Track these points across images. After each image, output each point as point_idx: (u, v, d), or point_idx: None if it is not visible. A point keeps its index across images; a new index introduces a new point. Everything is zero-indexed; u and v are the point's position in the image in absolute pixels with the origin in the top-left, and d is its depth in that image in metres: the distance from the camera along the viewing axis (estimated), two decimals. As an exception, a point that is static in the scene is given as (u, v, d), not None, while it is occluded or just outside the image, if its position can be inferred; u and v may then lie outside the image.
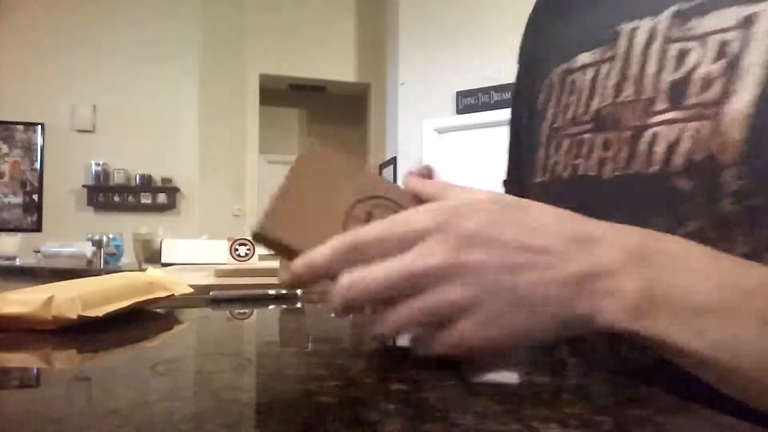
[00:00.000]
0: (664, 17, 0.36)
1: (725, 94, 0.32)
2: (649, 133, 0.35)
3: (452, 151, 3.94)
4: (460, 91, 3.88)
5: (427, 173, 0.38)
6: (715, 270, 0.27)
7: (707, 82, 0.33)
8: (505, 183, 0.59)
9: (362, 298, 0.27)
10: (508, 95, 3.21)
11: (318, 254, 0.29)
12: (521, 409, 0.22)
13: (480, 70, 3.74)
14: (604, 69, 0.39)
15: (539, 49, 0.50)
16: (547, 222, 0.28)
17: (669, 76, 0.35)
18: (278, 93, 5.12)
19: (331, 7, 4.70)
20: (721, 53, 0.33)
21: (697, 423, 0.21)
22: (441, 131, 3.97)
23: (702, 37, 0.34)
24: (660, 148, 0.34)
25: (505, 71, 3.41)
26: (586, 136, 0.39)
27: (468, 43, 3.82)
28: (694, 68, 0.34)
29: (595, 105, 0.39)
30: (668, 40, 0.36)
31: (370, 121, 4.89)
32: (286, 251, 0.31)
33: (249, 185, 4.59)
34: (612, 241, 0.27)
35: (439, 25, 3.88)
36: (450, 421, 0.20)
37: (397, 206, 0.33)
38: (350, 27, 4.77)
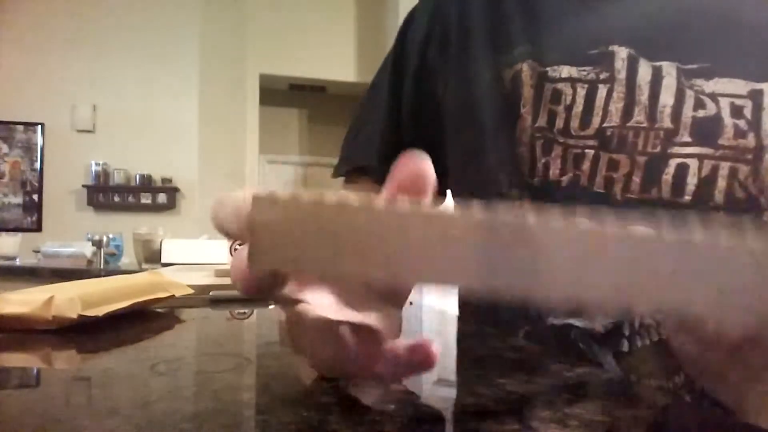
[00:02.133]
0: (667, 65, 0.37)
1: (761, 146, 0.35)
2: (673, 162, 0.36)
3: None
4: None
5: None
6: None
7: (740, 132, 0.35)
8: (358, 160, 0.55)
9: None
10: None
11: None
12: (521, 409, 0.22)
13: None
14: (602, 89, 0.39)
15: (498, 19, 0.47)
16: None
17: (691, 113, 0.36)
18: (278, 93, 5.11)
19: (331, 7, 4.70)
20: (737, 113, 0.35)
21: (697, 423, 0.21)
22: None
23: (712, 96, 0.36)
24: (692, 180, 0.35)
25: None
26: (589, 151, 0.39)
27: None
28: (717, 115, 0.36)
29: (596, 123, 0.39)
30: (680, 83, 0.37)
31: (370, 121, 4.88)
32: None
33: (249, 185, 4.59)
34: None
35: (439, 25, 3.87)
36: (450, 421, 0.20)
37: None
38: (350, 27, 4.76)
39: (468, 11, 0.50)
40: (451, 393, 0.26)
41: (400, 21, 0.59)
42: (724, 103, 0.35)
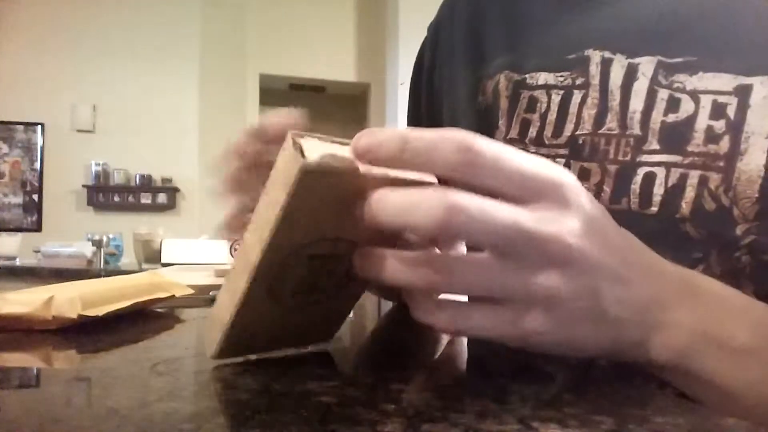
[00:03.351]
0: (645, 61, 0.35)
1: (736, 152, 0.32)
2: (641, 171, 0.34)
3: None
4: (460, 91, 3.87)
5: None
6: (751, 312, 0.27)
7: (713, 136, 0.32)
8: None
9: (469, 235, 0.21)
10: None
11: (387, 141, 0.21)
12: (521, 409, 0.22)
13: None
14: (577, 95, 0.38)
15: (479, 32, 0.48)
16: (635, 243, 0.26)
17: (660, 117, 0.34)
18: (278, 93, 5.11)
19: (331, 7, 4.70)
20: (717, 113, 0.33)
21: (697, 423, 0.21)
22: (441, 131, 3.97)
23: (693, 93, 0.33)
24: (659, 190, 0.33)
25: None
26: (560, 160, 0.38)
27: (468, 43, 3.81)
28: (691, 117, 0.33)
29: (568, 130, 0.38)
30: (655, 83, 0.35)
31: (370, 121, 4.88)
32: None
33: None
34: (670, 274, 0.26)
35: (439, 25, 3.87)
36: (450, 421, 0.20)
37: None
38: (350, 27, 4.76)
39: (454, 28, 0.51)
40: (451, 393, 0.26)
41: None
42: (706, 101, 0.33)
